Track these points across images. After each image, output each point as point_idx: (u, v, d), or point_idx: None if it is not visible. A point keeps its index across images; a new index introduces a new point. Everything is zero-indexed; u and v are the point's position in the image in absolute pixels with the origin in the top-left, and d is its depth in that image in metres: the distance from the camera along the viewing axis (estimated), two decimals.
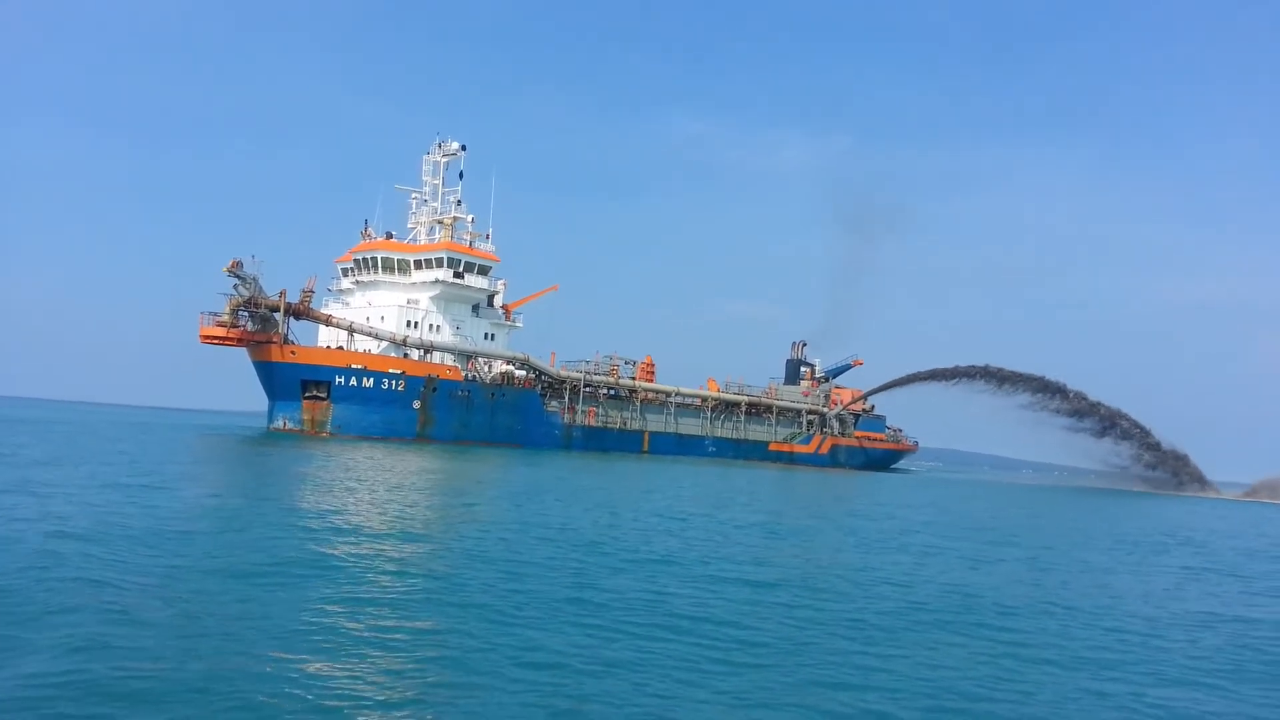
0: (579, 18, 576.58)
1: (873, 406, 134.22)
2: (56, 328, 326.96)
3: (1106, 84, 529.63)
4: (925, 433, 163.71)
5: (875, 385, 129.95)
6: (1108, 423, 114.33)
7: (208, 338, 76.26)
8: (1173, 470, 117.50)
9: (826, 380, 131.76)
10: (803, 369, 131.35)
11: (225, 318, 76.34)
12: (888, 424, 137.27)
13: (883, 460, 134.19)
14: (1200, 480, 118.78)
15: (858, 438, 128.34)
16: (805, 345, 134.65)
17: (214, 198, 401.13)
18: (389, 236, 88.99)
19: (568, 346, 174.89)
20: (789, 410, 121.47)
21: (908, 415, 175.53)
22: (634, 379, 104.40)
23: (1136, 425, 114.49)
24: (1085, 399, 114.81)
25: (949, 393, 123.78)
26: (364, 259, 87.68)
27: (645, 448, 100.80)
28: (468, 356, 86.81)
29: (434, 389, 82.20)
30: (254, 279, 77.75)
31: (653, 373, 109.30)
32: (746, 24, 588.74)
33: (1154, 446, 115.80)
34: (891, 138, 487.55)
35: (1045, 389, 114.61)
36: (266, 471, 39.60)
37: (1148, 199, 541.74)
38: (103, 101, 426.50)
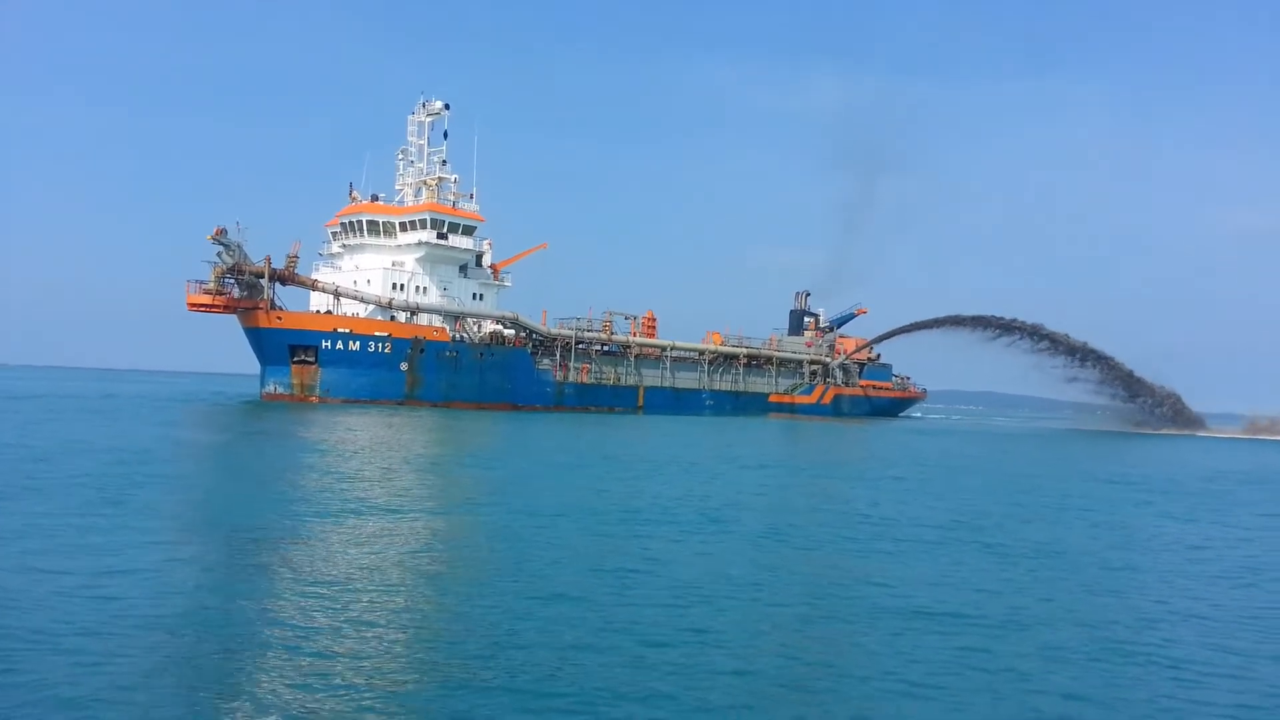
0: None
1: (878, 355, 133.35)
2: (51, 294, 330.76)
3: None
4: (933, 377, 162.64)
5: (880, 334, 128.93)
6: (1103, 367, 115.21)
7: (195, 305, 77.23)
8: (1171, 410, 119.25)
9: (831, 330, 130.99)
10: (806, 319, 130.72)
11: (211, 285, 77.18)
12: (894, 372, 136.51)
13: (889, 408, 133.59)
14: (1193, 420, 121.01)
15: (863, 387, 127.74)
16: (809, 295, 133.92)
17: (208, 163, 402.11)
18: (374, 199, 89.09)
19: (567, 303, 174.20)
20: (790, 361, 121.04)
21: (915, 362, 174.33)
22: (634, 334, 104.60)
23: (1124, 370, 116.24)
24: (1085, 347, 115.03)
25: (953, 339, 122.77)
26: (350, 222, 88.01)
27: (640, 403, 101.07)
28: (455, 317, 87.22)
29: (421, 350, 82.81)
30: (238, 246, 78.32)
31: (654, 327, 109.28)
32: None
33: (1148, 390, 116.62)
34: (918, 73, 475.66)
35: (1044, 337, 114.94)
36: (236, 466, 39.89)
37: (1189, 126, 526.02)
38: (87, 66, 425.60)
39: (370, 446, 40.38)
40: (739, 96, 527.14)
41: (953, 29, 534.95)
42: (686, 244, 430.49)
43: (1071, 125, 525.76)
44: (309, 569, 15.94)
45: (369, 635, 12.25)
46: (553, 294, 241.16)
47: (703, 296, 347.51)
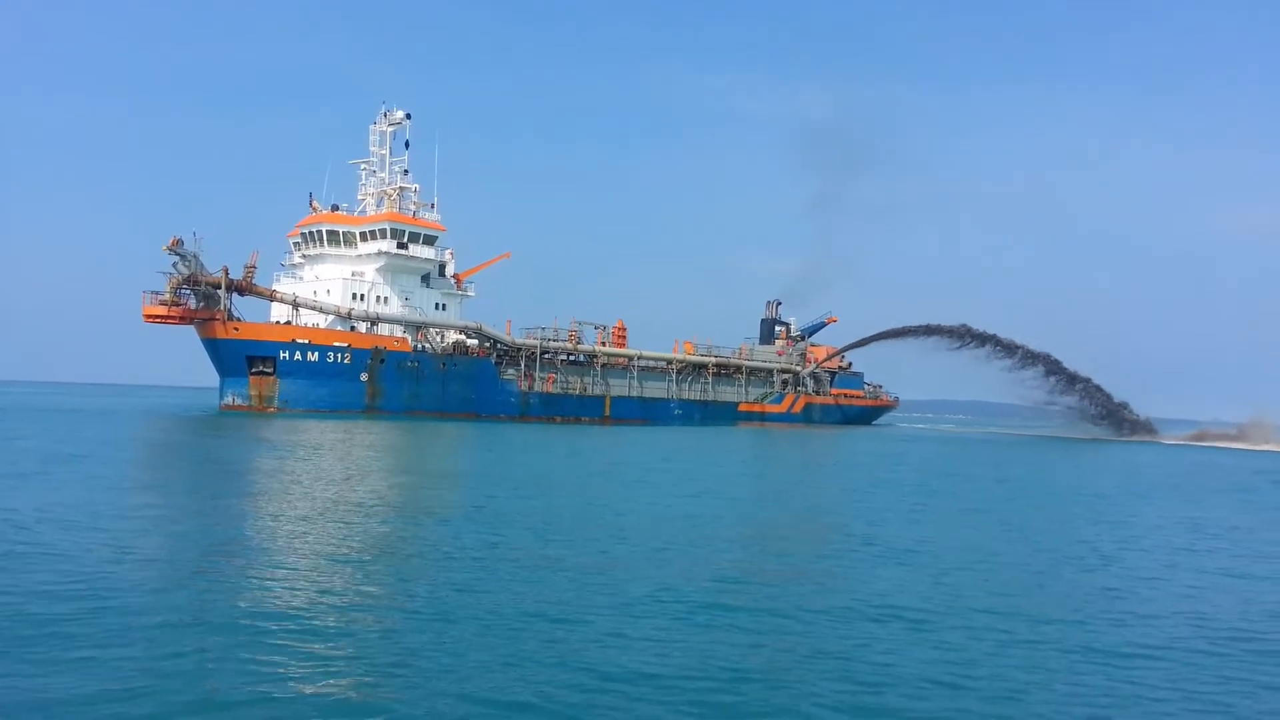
0: None
1: (849, 364, 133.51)
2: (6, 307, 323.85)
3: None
4: (907, 386, 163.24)
5: (849, 342, 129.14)
6: (1068, 378, 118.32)
7: (150, 316, 76.31)
8: (1121, 419, 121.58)
9: (802, 339, 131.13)
10: (778, 328, 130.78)
11: (167, 296, 76.39)
12: (866, 380, 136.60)
13: (861, 416, 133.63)
14: (1146, 427, 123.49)
15: (834, 395, 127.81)
16: (780, 304, 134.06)
17: (169, 168, 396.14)
18: (335, 209, 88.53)
19: (536, 313, 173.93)
20: (760, 370, 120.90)
21: (889, 371, 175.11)
22: (604, 344, 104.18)
23: (1083, 379, 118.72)
24: (1048, 359, 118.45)
25: (922, 348, 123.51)
26: (310, 232, 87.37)
27: (607, 412, 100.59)
28: (418, 327, 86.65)
29: (381, 360, 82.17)
30: (194, 256, 77.56)
31: (625, 337, 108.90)
32: None
33: (1106, 399, 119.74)
34: (900, 78, 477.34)
35: (1006, 349, 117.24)
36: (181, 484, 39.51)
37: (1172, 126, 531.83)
38: (48, 62, 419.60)
39: (304, 458, 39.82)
40: (713, 103, 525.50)
41: (940, 34, 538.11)
42: (660, 253, 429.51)
43: (1049, 130, 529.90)
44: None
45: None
46: (521, 304, 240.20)
47: (676, 305, 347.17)
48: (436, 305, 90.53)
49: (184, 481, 29.74)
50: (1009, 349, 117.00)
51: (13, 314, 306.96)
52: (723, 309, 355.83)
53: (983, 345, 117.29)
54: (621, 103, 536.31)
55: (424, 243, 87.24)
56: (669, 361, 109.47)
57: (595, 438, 67.15)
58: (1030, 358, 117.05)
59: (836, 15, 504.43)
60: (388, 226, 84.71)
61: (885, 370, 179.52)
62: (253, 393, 79.91)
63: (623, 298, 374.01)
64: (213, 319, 77.86)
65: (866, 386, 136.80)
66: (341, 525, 21.11)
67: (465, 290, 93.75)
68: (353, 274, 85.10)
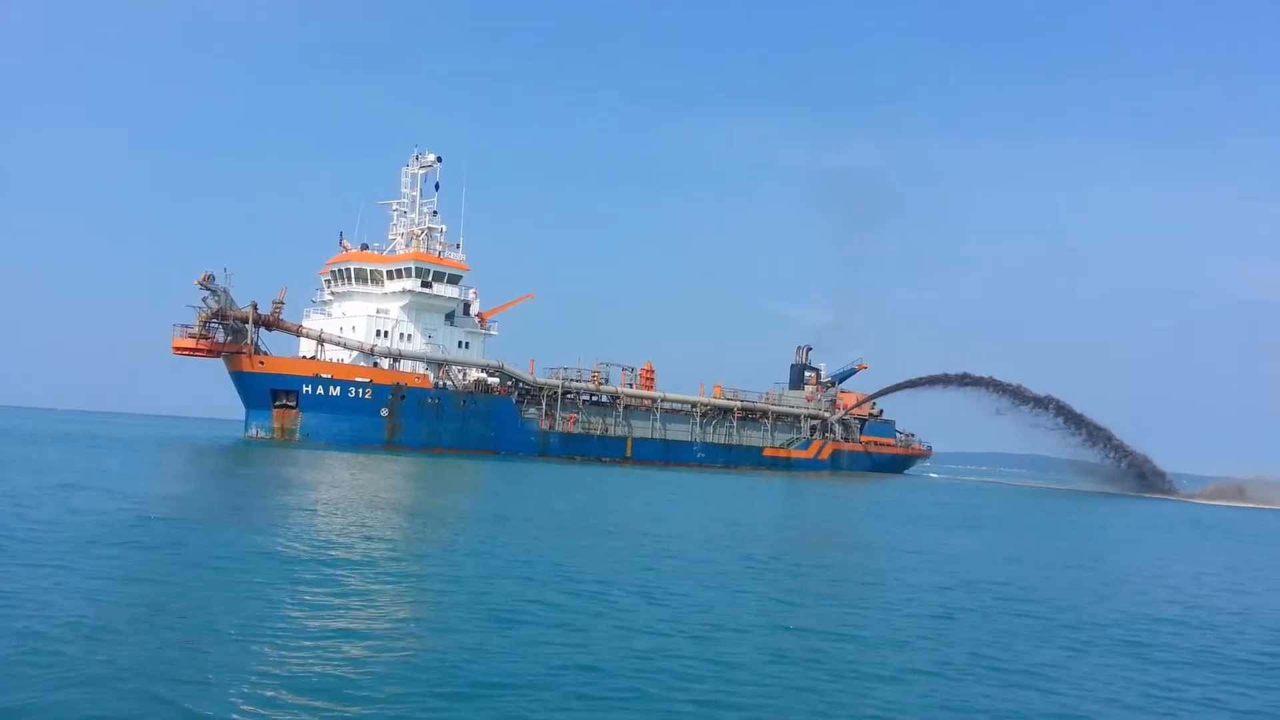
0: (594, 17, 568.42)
1: (880, 411, 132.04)
2: (38, 334, 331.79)
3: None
4: (941, 437, 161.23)
5: (880, 389, 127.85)
6: (1090, 431, 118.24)
7: (179, 349, 78.66)
8: (1143, 475, 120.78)
9: (832, 385, 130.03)
10: (807, 373, 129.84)
11: (196, 330, 78.70)
12: (898, 429, 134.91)
13: (891, 465, 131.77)
14: (1167, 484, 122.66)
15: (864, 443, 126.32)
16: (810, 350, 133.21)
17: (205, 205, 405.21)
18: (365, 248, 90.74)
19: (562, 354, 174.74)
20: (787, 415, 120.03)
21: (921, 420, 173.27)
22: (631, 386, 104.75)
23: (1110, 437, 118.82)
24: (1073, 413, 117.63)
25: (953, 397, 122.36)
26: (339, 270, 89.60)
27: (628, 453, 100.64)
28: (439, 364, 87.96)
29: (402, 396, 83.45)
30: (225, 291, 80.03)
31: (653, 380, 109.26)
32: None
33: (1130, 455, 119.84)
34: (919, 130, 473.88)
35: (1038, 404, 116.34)
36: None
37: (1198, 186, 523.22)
38: (85, 95, 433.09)
39: (294, 484, 40.62)
40: (745, 152, 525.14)
41: (968, 85, 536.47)
42: (691, 297, 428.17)
43: (1073, 182, 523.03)
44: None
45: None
46: (548, 345, 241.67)
47: (705, 350, 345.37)
48: (460, 343, 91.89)
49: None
50: (1036, 401, 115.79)
51: (46, 343, 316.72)
52: (753, 354, 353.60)
53: (1009, 397, 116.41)
54: (655, 149, 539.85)
55: (448, 282, 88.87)
56: (693, 404, 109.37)
57: (600, 476, 67.25)
58: (1056, 410, 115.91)
59: (871, 68, 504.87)
60: (413, 266, 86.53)
61: (920, 421, 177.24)
62: (275, 425, 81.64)
63: (652, 341, 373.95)
64: (239, 353, 79.97)
65: (899, 435, 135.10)
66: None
67: (489, 329, 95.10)
68: (377, 311, 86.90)
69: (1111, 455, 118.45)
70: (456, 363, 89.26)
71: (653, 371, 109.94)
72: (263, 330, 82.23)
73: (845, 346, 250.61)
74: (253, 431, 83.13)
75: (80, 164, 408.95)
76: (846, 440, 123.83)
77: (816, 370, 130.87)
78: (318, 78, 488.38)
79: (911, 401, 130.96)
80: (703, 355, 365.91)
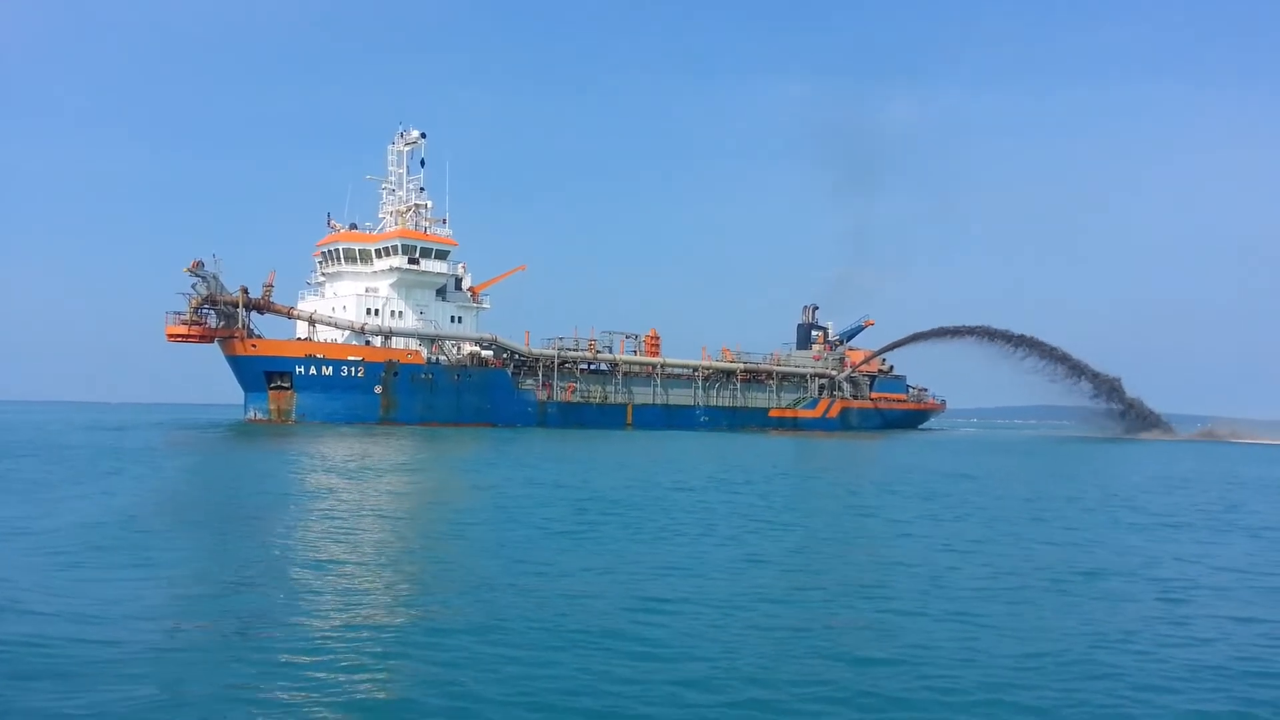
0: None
1: (890, 367, 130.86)
2: (30, 326, 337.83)
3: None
4: (957, 392, 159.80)
5: (886, 344, 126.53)
6: (1098, 382, 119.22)
7: (173, 336, 79.72)
8: (1140, 417, 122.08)
9: (840, 343, 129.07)
10: (814, 333, 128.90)
11: (187, 316, 79.77)
12: (909, 384, 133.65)
13: (902, 421, 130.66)
14: (1163, 425, 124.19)
15: (873, 399, 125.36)
16: (817, 309, 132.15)
17: (206, 193, 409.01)
18: (353, 228, 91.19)
19: (561, 324, 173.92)
20: (794, 375, 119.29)
21: (935, 374, 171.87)
22: (636, 353, 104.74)
23: (1109, 380, 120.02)
24: (1077, 363, 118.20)
25: (957, 349, 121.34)
26: (328, 251, 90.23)
27: (629, 421, 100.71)
28: (432, 340, 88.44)
29: (395, 373, 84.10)
30: (215, 277, 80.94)
31: (658, 346, 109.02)
32: None
33: (1128, 400, 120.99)
34: (893, 78, 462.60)
35: (1042, 351, 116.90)
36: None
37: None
38: (90, 99, 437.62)
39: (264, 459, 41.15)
40: (744, 115, 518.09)
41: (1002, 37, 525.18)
42: (696, 262, 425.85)
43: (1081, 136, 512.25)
44: None
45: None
46: (547, 316, 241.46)
47: (711, 315, 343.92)
48: (452, 318, 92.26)
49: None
50: (1036, 347, 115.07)
51: (45, 335, 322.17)
52: (761, 317, 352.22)
53: (1013, 346, 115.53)
54: (658, 115, 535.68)
55: (436, 257, 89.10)
56: (695, 368, 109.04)
57: (581, 442, 67.41)
58: (1056, 357, 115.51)
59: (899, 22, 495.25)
60: (399, 243, 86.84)
61: (933, 375, 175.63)
62: (272, 407, 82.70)
63: (657, 309, 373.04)
64: (232, 337, 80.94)
65: (910, 390, 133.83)
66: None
67: (481, 303, 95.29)
68: (366, 290, 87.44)
69: (1116, 403, 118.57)
70: (449, 337, 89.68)
71: (657, 338, 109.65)
72: (257, 314, 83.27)
73: (853, 304, 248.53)
74: (251, 414, 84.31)
75: (77, 160, 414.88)
76: (856, 398, 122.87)
77: (824, 329, 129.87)
78: (312, 67, 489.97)
79: (924, 356, 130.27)
80: (709, 320, 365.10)
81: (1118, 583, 16.58)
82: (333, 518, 22.09)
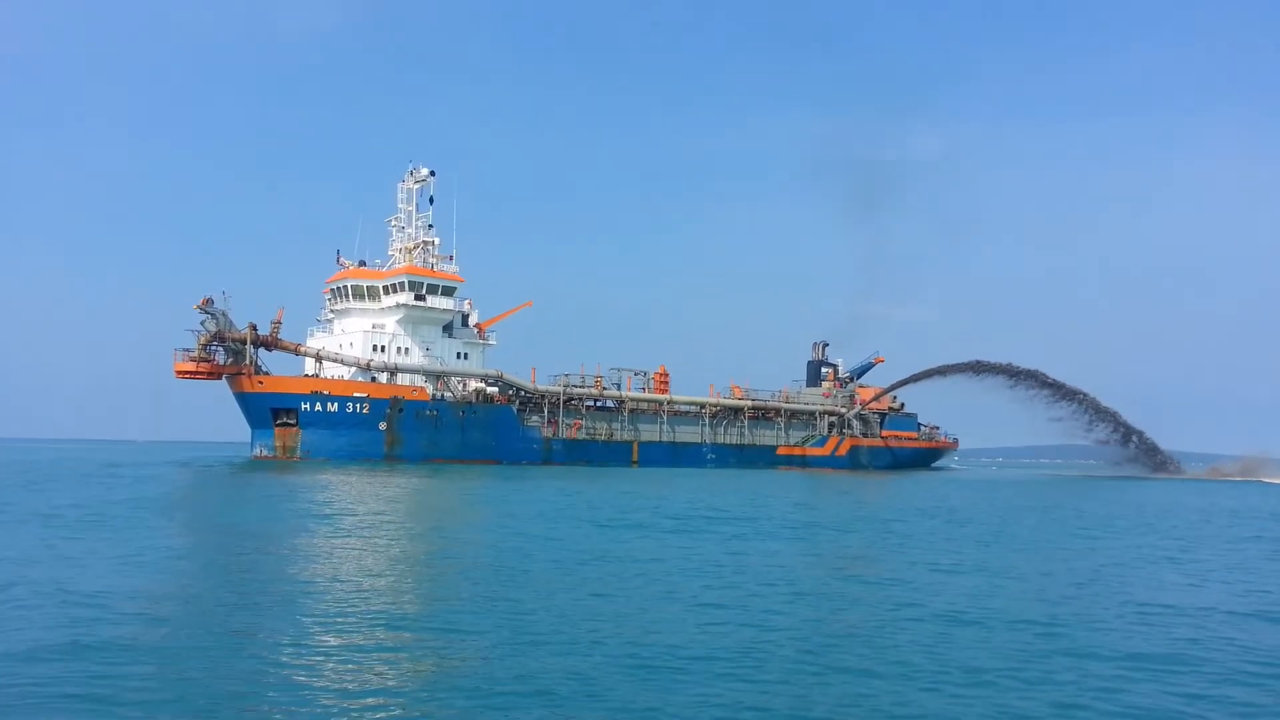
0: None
1: (902, 405, 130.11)
2: (36, 363, 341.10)
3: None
4: (971, 431, 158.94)
5: (895, 381, 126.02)
6: (1113, 424, 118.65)
7: (182, 372, 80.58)
8: (1151, 457, 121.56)
9: (851, 380, 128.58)
10: (824, 370, 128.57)
11: (196, 353, 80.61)
12: (920, 422, 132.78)
13: (914, 460, 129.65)
14: (1173, 465, 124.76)
15: (884, 437, 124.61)
16: (827, 346, 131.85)
17: (219, 228, 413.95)
18: (362, 264, 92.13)
19: (567, 361, 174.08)
20: (803, 413, 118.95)
21: (948, 412, 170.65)
22: (645, 390, 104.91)
23: (1126, 425, 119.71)
24: (1092, 401, 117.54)
25: (976, 387, 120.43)
26: (337, 288, 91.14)
27: (634, 458, 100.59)
28: (437, 376, 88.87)
29: (399, 410, 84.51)
30: (224, 314, 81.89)
31: (667, 383, 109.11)
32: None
33: (1140, 438, 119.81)
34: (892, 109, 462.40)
35: (1048, 386, 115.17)
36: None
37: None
38: (82, 114, 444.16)
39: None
40: (756, 147, 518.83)
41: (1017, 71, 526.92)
42: (706, 298, 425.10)
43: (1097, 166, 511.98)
44: None
45: None
46: (554, 353, 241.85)
47: (721, 352, 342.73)
48: (458, 355, 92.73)
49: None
50: (1050, 386, 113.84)
51: (56, 374, 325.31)
52: (771, 352, 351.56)
53: (1024, 383, 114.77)
54: (662, 150, 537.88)
55: (442, 294, 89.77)
56: (702, 405, 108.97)
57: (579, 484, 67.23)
58: (1072, 396, 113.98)
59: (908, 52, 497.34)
60: (405, 280, 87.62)
61: (947, 413, 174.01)
62: (278, 443, 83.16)
63: (666, 345, 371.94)
64: (240, 373, 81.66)
65: (922, 428, 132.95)
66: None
67: (487, 339, 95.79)
68: (373, 326, 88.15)
69: (1133, 443, 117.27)
70: (454, 373, 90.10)
71: (666, 375, 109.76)
72: (265, 351, 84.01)
73: (866, 337, 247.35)
74: (258, 450, 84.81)
75: (92, 191, 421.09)
76: (866, 435, 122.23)
77: (834, 366, 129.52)
78: (324, 98, 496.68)
79: (937, 394, 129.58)
80: (719, 357, 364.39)
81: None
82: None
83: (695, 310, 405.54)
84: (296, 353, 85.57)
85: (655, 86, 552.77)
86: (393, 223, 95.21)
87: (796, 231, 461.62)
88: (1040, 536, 33.93)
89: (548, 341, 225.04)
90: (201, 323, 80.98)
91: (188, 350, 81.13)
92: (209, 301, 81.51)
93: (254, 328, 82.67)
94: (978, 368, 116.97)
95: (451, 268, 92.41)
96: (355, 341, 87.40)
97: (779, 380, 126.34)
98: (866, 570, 23.25)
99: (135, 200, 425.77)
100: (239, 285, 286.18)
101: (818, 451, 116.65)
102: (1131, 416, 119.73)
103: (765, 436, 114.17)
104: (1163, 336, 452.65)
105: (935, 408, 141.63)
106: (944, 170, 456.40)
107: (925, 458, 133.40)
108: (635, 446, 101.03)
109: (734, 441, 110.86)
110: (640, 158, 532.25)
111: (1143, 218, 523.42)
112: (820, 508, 46.34)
